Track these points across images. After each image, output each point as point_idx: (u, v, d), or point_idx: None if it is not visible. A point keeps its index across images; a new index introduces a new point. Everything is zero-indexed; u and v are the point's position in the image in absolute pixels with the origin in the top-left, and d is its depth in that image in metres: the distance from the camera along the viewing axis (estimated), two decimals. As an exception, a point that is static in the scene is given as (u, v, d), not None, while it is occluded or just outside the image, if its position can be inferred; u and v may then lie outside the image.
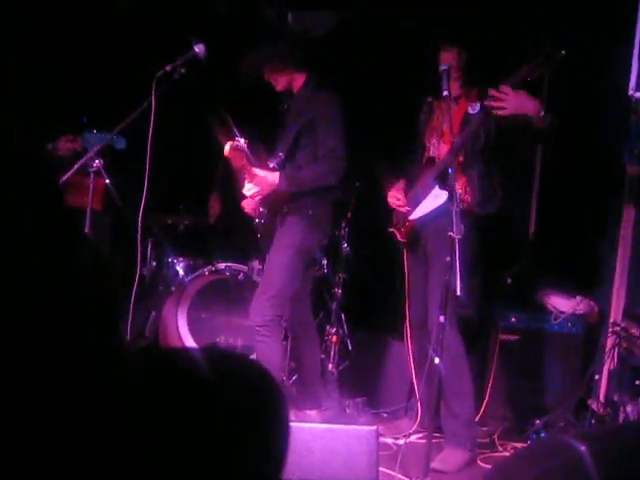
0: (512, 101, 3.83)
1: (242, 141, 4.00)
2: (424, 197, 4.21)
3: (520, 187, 5.62)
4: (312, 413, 4.45)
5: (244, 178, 4.22)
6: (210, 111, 4.00)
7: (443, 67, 3.91)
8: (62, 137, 4.30)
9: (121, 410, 0.80)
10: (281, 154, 4.33)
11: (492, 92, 3.86)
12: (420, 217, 4.27)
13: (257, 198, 4.30)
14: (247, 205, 4.44)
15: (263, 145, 4.45)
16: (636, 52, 4.17)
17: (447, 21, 4.58)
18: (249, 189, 4.22)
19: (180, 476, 0.82)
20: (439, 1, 4.83)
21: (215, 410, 0.87)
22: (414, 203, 4.30)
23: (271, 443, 0.92)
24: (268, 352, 4.17)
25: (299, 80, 4.38)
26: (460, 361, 4.12)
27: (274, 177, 4.18)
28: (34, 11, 5.10)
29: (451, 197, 3.43)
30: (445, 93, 3.80)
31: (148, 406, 0.83)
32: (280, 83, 4.33)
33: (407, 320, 4.45)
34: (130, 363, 0.85)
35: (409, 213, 4.34)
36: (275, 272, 4.24)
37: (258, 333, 4.18)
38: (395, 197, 4.41)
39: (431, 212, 4.13)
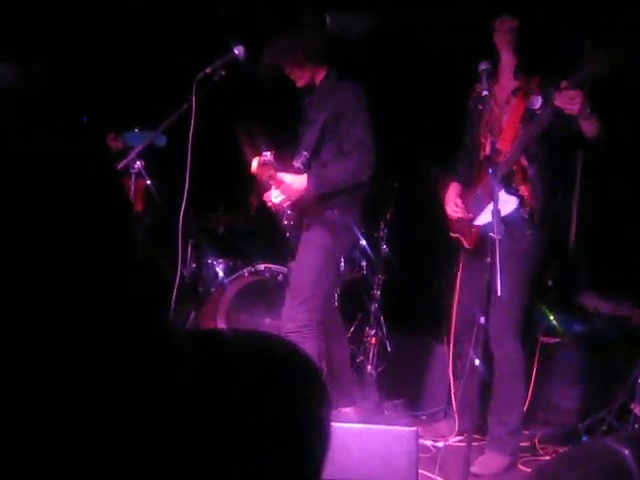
0: (580, 101, 3.51)
1: (269, 154, 3.93)
2: (489, 201, 3.80)
3: (562, 187, 5.56)
4: (348, 410, 4.42)
5: (270, 184, 4.13)
6: (236, 121, 3.95)
7: (483, 66, 3.71)
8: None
9: (179, 397, 0.81)
10: (305, 152, 4.16)
11: (565, 86, 3.52)
12: (488, 223, 3.81)
13: (285, 204, 4.16)
14: (274, 205, 4.28)
15: (286, 144, 4.36)
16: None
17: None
18: (276, 196, 4.12)
19: (216, 465, 0.82)
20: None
21: (262, 401, 0.87)
22: (478, 207, 4.01)
23: (316, 440, 0.92)
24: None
25: (320, 74, 4.22)
26: (517, 369, 4.04)
27: (302, 182, 4.04)
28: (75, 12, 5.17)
29: (522, 203, 3.30)
30: (485, 93, 3.66)
31: (200, 393, 0.83)
32: (302, 78, 4.19)
33: (452, 324, 4.36)
34: (185, 351, 0.85)
35: (473, 218, 4.07)
36: (305, 275, 4.13)
37: (290, 339, 4.06)
38: (453, 207, 4.17)
39: (498, 219, 3.72)
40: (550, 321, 4.79)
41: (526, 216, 3.27)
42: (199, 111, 3.60)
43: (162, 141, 4.18)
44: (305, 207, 4.16)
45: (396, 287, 5.37)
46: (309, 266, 4.13)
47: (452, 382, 4.43)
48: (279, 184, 4.05)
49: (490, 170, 3.50)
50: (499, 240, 3.21)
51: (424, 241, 4.51)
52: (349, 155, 4.07)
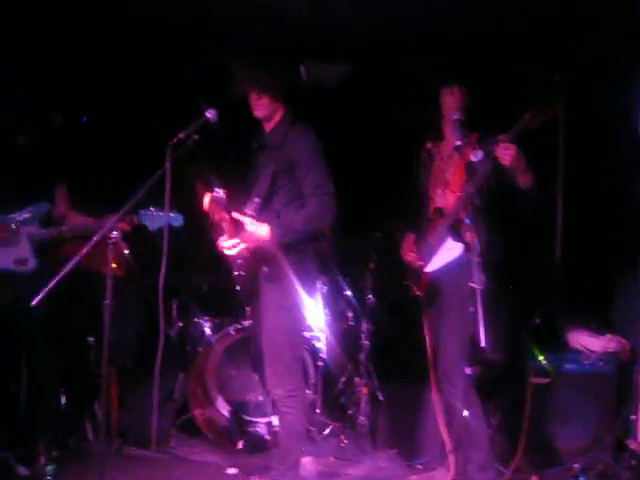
0: (513, 153, 3.77)
1: (221, 192, 3.87)
2: (437, 249, 4.16)
3: (543, 226, 5.59)
4: (306, 460, 4.35)
5: (222, 228, 3.97)
6: (187, 160, 3.85)
7: (455, 116, 3.85)
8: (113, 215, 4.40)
9: None
10: (257, 199, 4.04)
11: (502, 139, 3.79)
12: (435, 270, 4.22)
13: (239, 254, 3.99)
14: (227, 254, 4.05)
15: (238, 187, 4.22)
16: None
17: (451, 64, 4.60)
18: (233, 245, 3.95)
19: None
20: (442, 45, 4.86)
21: None
22: (428, 256, 4.25)
23: None
24: (295, 422, 4.04)
25: (277, 114, 4.13)
26: (476, 408, 4.04)
27: (264, 231, 3.88)
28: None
29: (469, 248, 3.38)
30: (458, 143, 3.75)
31: None
32: (264, 108, 4.08)
33: (432, 373, 4.41)
34: None
35: (424, 266, 4.29)
36: (280, 339, 3.99)
37: (284, 405, 3.99)
38: (408, 252, 4.37)
39: (446, 265, 4.08)
40: (540, 362, 4.76)
41: (476, 259, 3.37)
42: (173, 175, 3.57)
43: (178, 222, 4.21)
44: (261, 258, 4.00)
45: (384, 336, 5.36)
46: (281, 329, 4.00)
47: (444, 430, 4.42)
48: (234, 232, 3.91)
49: (467, 221, 3.57)
50: (480, 291, 3.21)
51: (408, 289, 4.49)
52: (309, 200, 3.97)
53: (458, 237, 3.49)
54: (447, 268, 4.09)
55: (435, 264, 4.22)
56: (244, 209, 4.03)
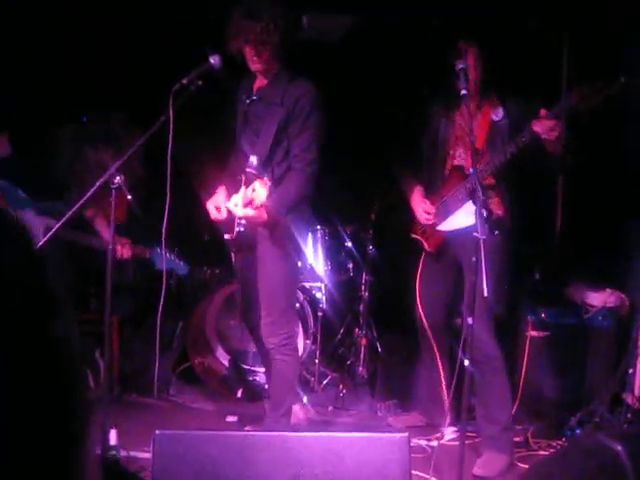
0: (559, 130, 3.67)
1: (255, 159, 3.78)
2: (455, 209, 4.16)
3: (545, 181, 5.58)
4: (295, 408, 4.37)
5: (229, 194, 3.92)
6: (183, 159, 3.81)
7: (460, 65, 3.66)
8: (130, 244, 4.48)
9: None
10: (253, 159, 3.80)
11: (544, 115, 3.68)
12: (453, 230, 4.21)
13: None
14: (219, 218, 4.02)
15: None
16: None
17: (466, 20, 4.53)
18: (241, 209, 3.78)
19: None
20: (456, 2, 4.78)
21: None
22: (444, 214, 4.24)
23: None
24: (290, 369, 4.08)
25: (272, 67, 3.93)
26: (497, 367, 4.08)
27: (261, 215, 3.75)
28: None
29: (475, 199, 3.36)
30: (463, 92, 3.64)
31: None
32: (263, 61, 3.86)
33: (426, 325, 4.47)
34: None
35: (437, 223, 4.28)
36: (277, 290, 4.00)
37: (279, 352, 4.01)
38: (424, 210, 4.30)
39: (466, 228, 3.98)
40: (538, 314, 4.79)
41: (480, 210, 3.34)
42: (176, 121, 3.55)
43: (184, 271, 4.53)
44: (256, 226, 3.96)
45: (384, 288, 5.37)
46: (279, 279, 4.00)
47: (444, 381, 4.46)
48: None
49: (472, 171, 3.57)
50: (483, 240, 3.21)
51: (411, 240, 4.49)
52: (295, 166, 3.90)
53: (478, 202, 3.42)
54: (464, 232, 4.01)
55: (452, 224, 4.21)
56: (239, 174, 3.88)
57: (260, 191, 3.63)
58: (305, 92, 3.89)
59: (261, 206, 3.69)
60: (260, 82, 4.03)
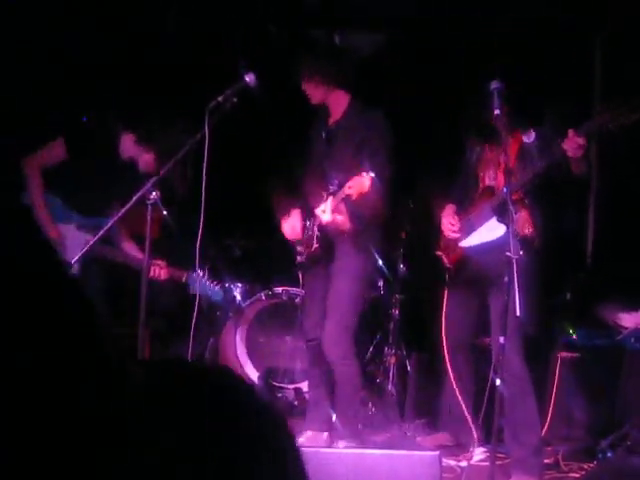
0: (585, 148, 3.62)
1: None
2: (479, 226, 4.15)
3: (576, 201, 5.56)
4: (323, 435, 4.49)
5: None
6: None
7: (495, 85, 3.66)
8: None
9: (120, 424, 0.80)
10: (336, 180, 4.18)
11: (573, 134, 3.57)
12: (472, 246, 4.22)
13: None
14: (291, 231, 4.44)
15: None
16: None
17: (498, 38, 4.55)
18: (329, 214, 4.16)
19: None
20: (489, 20, 4.81)
21: (214, 426, 0.86)
22: (467, 230, 4.25)
23: (279, 470, 0.90)
24: (354, 378, 4.37)
25: (342, 100, 4.35)
26: (525, 388, 4.02)
27: (345, 222, 4.17)
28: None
29: (508, 218, 3.36)
30: (497, 112, 3.65)
31: (148, 421, 0.82)
32: (315, 96, 4.31)
33: (445, 343, 4.48)
34: (128, 378, 0.85)
35: (460, 239, 4.29)
36: (346, 303, 4.31)
37: (343, 364, 4.30)
38: (450, 222, 4.33)
39: (486, 244, 4.04)
40: (569, 335, 4.76)
41: (512, 229, 3.34)
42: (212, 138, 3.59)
43: (218, 296, 4.53)
44: (339, 233, 4.28)
45: (414, 306, 5.37)
46: (351, 294, 4.32)
47: (461, 400, 4.45)
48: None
49: (504, 190, 3.54)
50: (516, 260, 3.21)
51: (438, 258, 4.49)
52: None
53: (503, 218, 3.43)
54: (486, 248, 4.04)
55: (472, 240, 4.22)
56: (328, 186, 4.22)
57: (361, 181, 3.87)
58: (378, 121, 4.30)
59: (346, 212, 4.07)
60: (334, 116, 4.40)
